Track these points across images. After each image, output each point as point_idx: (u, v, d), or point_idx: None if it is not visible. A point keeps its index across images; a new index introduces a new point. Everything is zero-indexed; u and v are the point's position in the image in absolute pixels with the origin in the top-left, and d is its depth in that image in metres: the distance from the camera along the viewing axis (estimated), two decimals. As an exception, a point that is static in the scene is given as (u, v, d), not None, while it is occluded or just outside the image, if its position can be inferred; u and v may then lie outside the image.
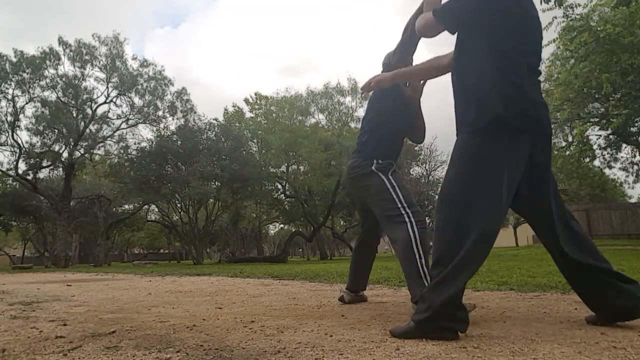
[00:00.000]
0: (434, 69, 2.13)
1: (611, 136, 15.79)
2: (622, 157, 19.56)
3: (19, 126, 17.44)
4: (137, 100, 18.75)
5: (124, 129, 19.25)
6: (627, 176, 22.44)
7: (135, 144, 19.27)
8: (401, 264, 2.14)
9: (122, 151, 19.34)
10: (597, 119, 13.93)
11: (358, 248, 2.73)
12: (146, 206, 23.78)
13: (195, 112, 19.52)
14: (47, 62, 16.95)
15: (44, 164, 18.82)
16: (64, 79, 17.50)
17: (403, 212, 2.18)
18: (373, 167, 2.32)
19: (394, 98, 2.42)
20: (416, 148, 20.99)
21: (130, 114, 18.97)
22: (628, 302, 1.60)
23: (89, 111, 18.30)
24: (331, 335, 1.60)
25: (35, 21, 61.38)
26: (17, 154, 17.44)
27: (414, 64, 2.40)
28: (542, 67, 17.87)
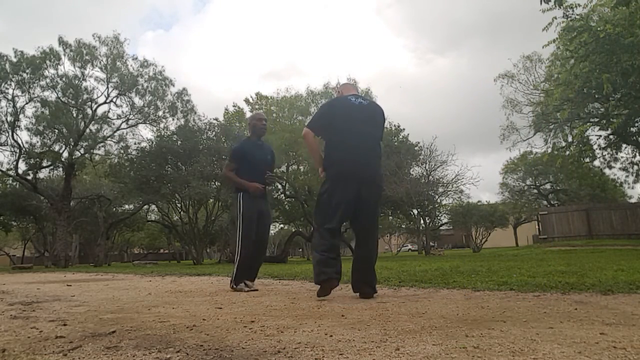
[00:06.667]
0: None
1: (611, 136, 15.79)
2: (622, 157, 19.58)
3: (19, 126, 17.43)
4: (138, 101, 18.74)
5: (124, 129, 19.24)
6: (627, 176, 22.46)
7: (135, 144, 19.28)
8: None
9: (122, 151, 19.33)
10: (597, 119, 13.93)
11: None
12: (146, 206, 23.76)
13: (195, 113, 19.52)
14: (47, 62, 16.93)
15: (44, 164, 18.79)
16: (64, 79, 17.47)
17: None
18: None
19: None
20: (416, 148, 20.98)
21: (130, 114, 18.95)
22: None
23: (89, 111, 18.28)
24: (331, 335, 1.60)
25: (21, 28, 61.16)
26: (17, 154, 17.42)
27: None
28: (542, 67, 18.03)
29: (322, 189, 3.01)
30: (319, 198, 3.04)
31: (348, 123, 3.00)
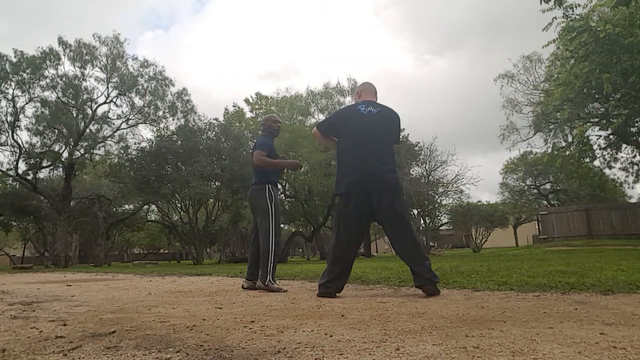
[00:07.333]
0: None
1: (611, 136, 15.80)
2: (622, 157, 19.57)
3: (19, 126, 17.41)
4: (138, 101, 18.74)
5: (124, 129, 19.23)
6: (627, 176, 22.45)
7: (135, 144, 19.27)
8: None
9: (122, 151, 19.30)
10: (597, 119, 13.93)
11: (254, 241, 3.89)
12: (146, 206, 23.76)
13: (195, 113, 19.52)
14: (47, 62, 16.92)
15: (44, 164, 18.77)
16: (64, 79, 17.46)
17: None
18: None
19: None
20: (416, 148, 20.99)
21: (130, 114, 18.96)
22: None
23: (89, 111, 18.27)
24: (331, 335, 1.60)
25: (21, 29, 60.75)
26: (17, 154, 17.41)
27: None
28: (542, 67, 18.05)
29: (339, 201, 3.23)
30: (336, 210, 3.25)
31: (355, 137, 3.15)
